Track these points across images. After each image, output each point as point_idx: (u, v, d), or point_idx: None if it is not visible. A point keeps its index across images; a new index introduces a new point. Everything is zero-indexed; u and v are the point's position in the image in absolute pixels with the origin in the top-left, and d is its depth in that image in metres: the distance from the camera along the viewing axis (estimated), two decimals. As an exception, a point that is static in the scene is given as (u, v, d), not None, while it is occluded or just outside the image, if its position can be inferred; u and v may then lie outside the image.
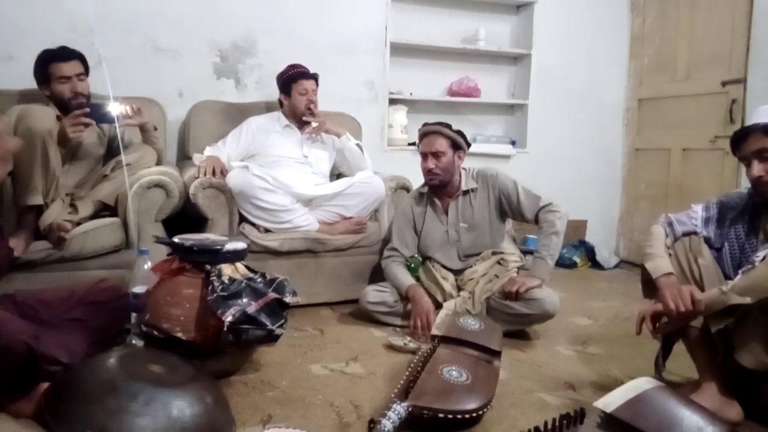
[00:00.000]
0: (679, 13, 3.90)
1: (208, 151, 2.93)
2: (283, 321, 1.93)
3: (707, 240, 1.87)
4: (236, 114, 3.21)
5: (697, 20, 3.78)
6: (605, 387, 1.90)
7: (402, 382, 1.74)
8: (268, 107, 3.28)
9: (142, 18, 3.22)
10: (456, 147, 2.61)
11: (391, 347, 2.33)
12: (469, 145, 2.67)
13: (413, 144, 3.75)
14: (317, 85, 3.09)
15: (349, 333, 2.54)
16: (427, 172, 2.61)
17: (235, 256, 1.98)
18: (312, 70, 3.11)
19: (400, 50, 3.83)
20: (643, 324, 1.79)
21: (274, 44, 3.47)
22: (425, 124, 2.66)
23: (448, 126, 2.61)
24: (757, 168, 1.72)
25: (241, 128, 3.06)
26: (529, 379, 2.08)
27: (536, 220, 2.58)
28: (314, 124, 3.06)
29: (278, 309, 1.94)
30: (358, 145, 3.14)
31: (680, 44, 3.89)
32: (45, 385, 1.48)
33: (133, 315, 2.05)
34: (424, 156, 2.61)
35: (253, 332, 1.83)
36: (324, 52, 3.56)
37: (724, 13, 3.57)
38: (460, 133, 2.62)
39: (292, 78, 3.04)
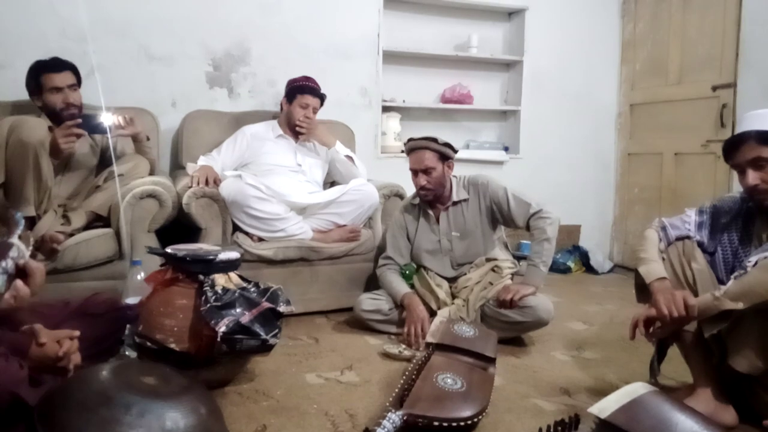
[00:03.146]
0: (670, 18, 3.93)
1: (202, 161, 2.94)
2: (277, 330, 1.92)
3: (700, 244, 1.87)
4: (229, 123, 3.21)
5: (687, 25, 3.81)
6: (600, 392, 1.91)
7: (397, 390, 1.74)
8: (261, 116, 3.28)
9: (134, 26, 3.22)
10: (444, 158, 2.60)
11: (386, 355, 2.33)
12: (456, 151, 2.65)
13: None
14: (321, 105, 3.12)
15: (344, 341, 2.53)
16: (420, 189, 2.61)
17: (228, 266, 1.97)
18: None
19: (392, 57, 3.84)
20: (636, 329, 1.79)
21: (267, 53, 3.48)
22: (411, 140, 2.63)
23: (434, 140, 2.57)
24: (752, 176, 1.72)
25: (235, 137, 3.07)
26: (525, 384, 2.08)
27: (527, 227, 2.58)
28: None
29: (272, 318, 1.93)
30: (348, 156, 3.14)
31: (671, 49, 3.92)
32: None
33: (127, 326, 2.04)
34: (415, 173, 2.61)
35: (247, 342, 1.83)
36: (316, 60, 3.57)
37: (714, 18, 3.60)
38: (446, 144, 2.60)
39: (300, 89, 3.06)
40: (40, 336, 1.47)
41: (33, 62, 2.55)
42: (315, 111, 3.08)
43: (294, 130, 3.08)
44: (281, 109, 3.17)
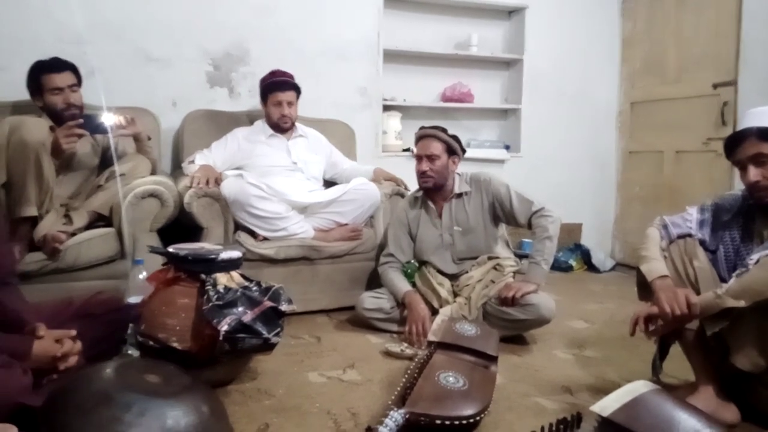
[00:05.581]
0: (669, 16, 3.92)
1: (199, 159, 2.93)
2: (279, 329, 1.92)
3: (702, 242, 1.87)
4: (230, 122, 3.21)
5: (686, 23, 3.81)
6: (602, 390, 1.90)
7: (399, 388, 1.74)
8: (261, 116, 3.26)
9: (133, 27, 3.22)
10: (451, 152, 2.62)
11: (388, 354, 2.33)
12: (464, 150, 2.69)
13: (408, 150, 3.76)
14: (298, 94, 3.07)
15: (345, 340, 2.53)
16: (421, 174, 2.62)
17: (230, 265, 1.97)
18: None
19: (392, 57, 3.84)
20: (636, 326, 1.79)
21: (267, 52, 3.47)
22: (422, 127, 2.67)
23: (445, 130, 2.63)
24: (753, 173, 1.72)
25: (226, 138, 3.05)
26: (526, 383, 2.08)
27: (529, 225, 2.58)
28: (301, 132, 3.10)
29: (274, 317, 1.93)
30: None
31: (671, 47, 3.92)
32: None
33: (129, 325, 2.04)
34: (419, 158, 2.63)
35: (248, 341, 1.83)
36: (316, 59, 3.57)
37: (713, 16, 3.60)
38: (455, 138, 2.64)
39: (267, 88, 3.04)
40: (39, 329, 1.48)
41: (33, 62, 2.55)
42: (291, 104, 3.03)
43: (278, 129, 3.06)
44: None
